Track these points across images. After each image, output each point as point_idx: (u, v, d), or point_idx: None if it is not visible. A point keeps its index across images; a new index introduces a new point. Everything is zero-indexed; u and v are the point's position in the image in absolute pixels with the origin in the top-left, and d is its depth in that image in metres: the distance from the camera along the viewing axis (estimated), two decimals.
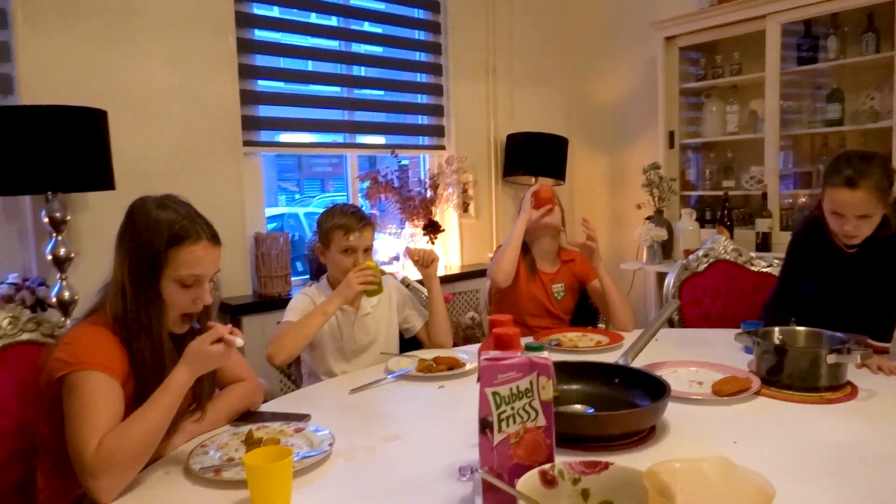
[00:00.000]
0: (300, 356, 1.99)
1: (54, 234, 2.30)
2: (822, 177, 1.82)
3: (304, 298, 1.92)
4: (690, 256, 2.42)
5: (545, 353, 0.96)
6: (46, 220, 2.28)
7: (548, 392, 0.94)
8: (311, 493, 1.09)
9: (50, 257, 2.30)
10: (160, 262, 1.26)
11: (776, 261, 2.36)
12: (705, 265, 2.38)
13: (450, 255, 3.85)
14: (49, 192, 2.26)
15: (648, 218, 3.56)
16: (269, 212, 3.30)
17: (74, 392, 1.17)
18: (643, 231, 3.43)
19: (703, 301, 2.30)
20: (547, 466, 0.88)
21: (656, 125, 3.71)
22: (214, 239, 1.32)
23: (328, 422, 1.36)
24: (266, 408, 1.51)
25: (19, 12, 2.40)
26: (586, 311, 2.47)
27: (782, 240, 3.20)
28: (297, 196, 11.45)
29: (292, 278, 3.11)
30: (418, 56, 3.71)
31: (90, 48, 2.54)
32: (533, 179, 3.84)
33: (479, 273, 3.50)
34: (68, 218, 2.32)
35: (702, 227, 3.45)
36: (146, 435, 1.14)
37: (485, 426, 0.92)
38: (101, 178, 2.26)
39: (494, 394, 0.92)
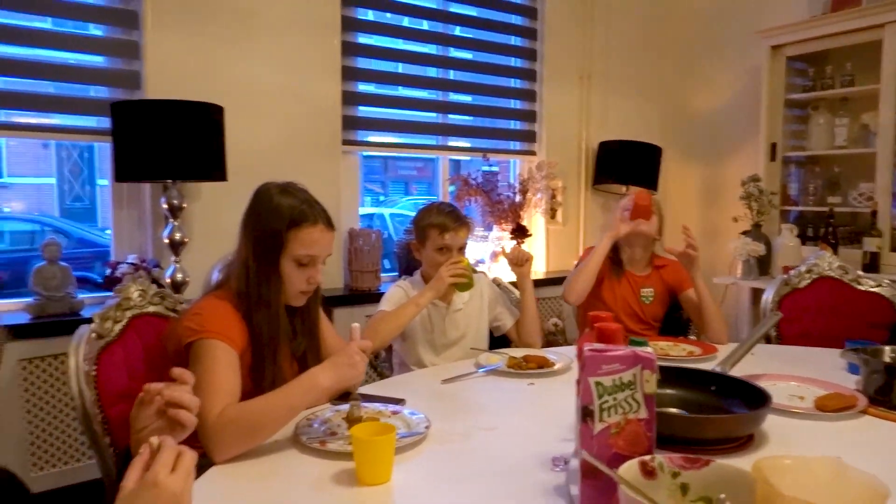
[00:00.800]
0: (392, 347, 2.06)
1: (171, 220, 2.48)
2: None
3: (399, 290, 1.99)
4: (791, 272, 2.33)
5: (649, 349, 0.97)
6: (165, 206, 2.46)
7: (651, 386, 0.94)
8: (410, 469, 1.14)
9: (167, 241, 2.48)
10: (281, 242, 1.36)
11: (887, 281, 2.24)
12: (808, 281, 2.28)
13: (535, 261, 3.84)
14: (169, 181, 2.44)
15: (745, 232, 3.44)
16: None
17: (200, 358, 1.27)
18: (739, 245, 3.31)
19: (804, 319, 2.21)
20: (647, 458, 0.89)
21: (757, 137, 3.58)
22: (329, 224, 1.43)
23: (422, 407, 1.41)
24: (362, 391, 1.57)
25: (149, 14, 2.60)
26: (675, 322, 2.42)
27: (892, 261, 3.03)
28: (382, 198, 11.74)
29: (381, 274, 3.21)
30: (513, 62, 3.75)
31: (211, 48, 2.72)
32: (624, 188, 3.79)
33: (564, 280, 3.49)
34: (184, 205, 2.50)
35: (803, 243, 3.30)
36: (267, 418, 1.21)
37: (586, 415, 0.94)
38: (216, 169, 2.42)
39: (597, 384, 0.93)
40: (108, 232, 2.88)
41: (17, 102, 2.48)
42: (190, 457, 0.78)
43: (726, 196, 3.82)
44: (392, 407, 1.40)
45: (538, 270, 3.81)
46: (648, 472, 0.88)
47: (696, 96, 4.16)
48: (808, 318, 2.20)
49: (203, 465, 1.16)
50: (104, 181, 10.20)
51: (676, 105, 4.23)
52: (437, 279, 1.87)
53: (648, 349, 0.96)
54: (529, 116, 3.81)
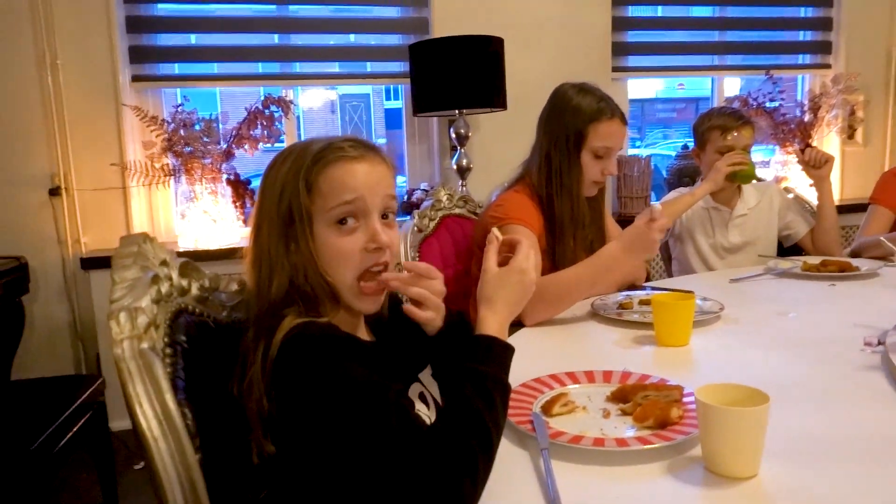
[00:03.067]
0: (671, 256, 2.07)
1: (459, 147, 2.75)
2: None
3: (678, 194, 1.99)
4: None
5: None
6: (454, 135, 2.74)
7: None
8: (706, 338, 1.19)
9: (454, 167, 2.77)
10: (582, 136, 1.49)
11: None
12: None
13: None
14: (456, 112, 2.70)
15: None
16: None
17: None
18: None
19: None
20: None
21: None
22: (624, 119, 1.54)
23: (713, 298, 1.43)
24: (651, 285, 1.64)
25: None
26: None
27: None
28: (638, 143, 11.37)
29: (651, 202, 3.18)
30: None
31: None
32: None
33: (861, 208, 3.10)
34: (470, 134, 2.75)
35: None
36: (572, 285, 1.35)
37: None
38: (498, 98, 2.62)
39: None
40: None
41: (322, 55, 2.92)
42: (536, 254, 0.94)
43: None
44: (682, 295, 1.45)
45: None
46: None
47: None
48: None
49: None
50: (381, 140, 11.47)
51: None
52: (714, 171, 1.83)
53: None
54: (824, 24, 3.38)
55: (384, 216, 0.85)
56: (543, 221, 1.51)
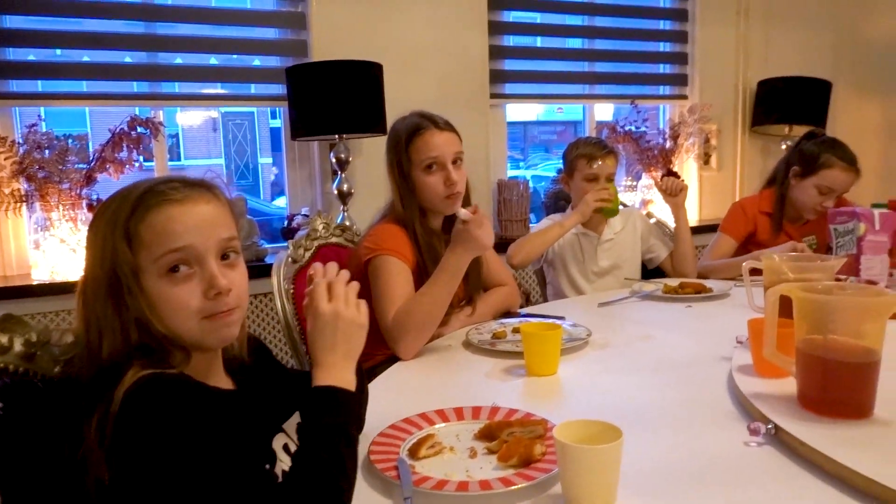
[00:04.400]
0: (546, 280, 2.14)
1: (340, 173, 2.72)
2: None
3: (549, 221, 2.07)
4: None
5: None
6: (334, 160, 2.70)
7: (859, 231, 1.30)
8: (574, 366, 1.23)
9: (335, 192, 2.73)
10: (407, 158, 1.52)
11: None
12: None
13: (688, 209, 3.73)
14: (336, 137, 2.67)
15: None
16: None
17: (377, 272, 1.44)
18: None
19: None
20: None
21: None
22: (446, 125, 1.56)
23: (582, 324, 1.48)
24: (523, 312, 1.68)
25: None
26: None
27: None
28: (521, 164, 11.80)
29: (530, 224, 3.29)
30: (662, 2, 3.62)
31: (368, 12, 2.91)
32: (787, 129, 3.56)
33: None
34: (350, 159, 2.73)
35: None
36: (430, 304, 1.37)
37: (828, 250, 1.41)
38: (377, 123, 2.62)
39: (834, 228, 1.39)
40: (274, 203, 3.21)
41: (198, 76, 2.81)
42: (354, 287, 0.89)
43: None
44: (554, 321, 1.49)
45: (691, 219, 3.69)
46: None
47: (872, 23, 3.77)
48: None
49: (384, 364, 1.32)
50: (267, 159, 11.14)
51: (849, 34, 3.86)
52: (583, 203, 1.92)
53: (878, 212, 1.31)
54: (680, 59, 3.67)
55: (225, 257, 0.80)
56: (415, 252, 1.50)
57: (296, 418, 0.82)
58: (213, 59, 2.90)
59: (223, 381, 0.87)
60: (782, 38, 3.76)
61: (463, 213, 1.36)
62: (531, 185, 8.46)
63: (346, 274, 0.90)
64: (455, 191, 1.51)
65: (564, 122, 12.78)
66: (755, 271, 1.33)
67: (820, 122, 3.52)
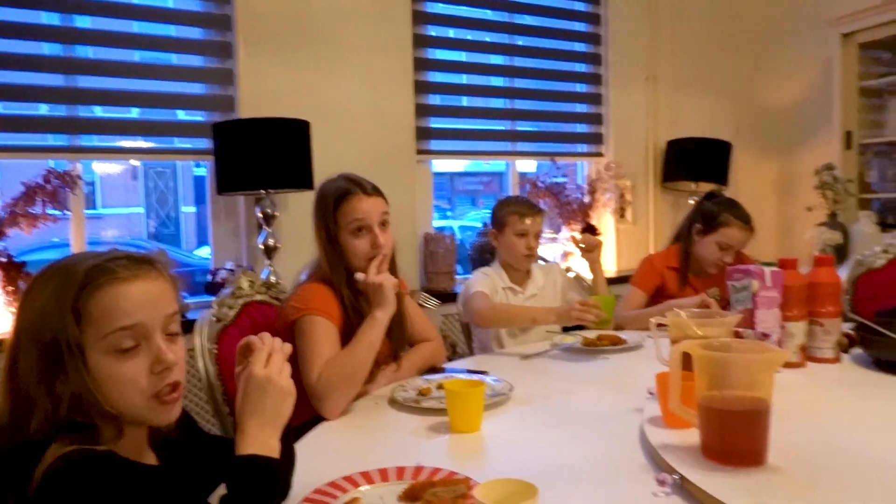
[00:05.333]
0: (472, 334, 2.20)
1: (266, 227, 2.71)
2: None
3: (483, 276, 2.13)
4: (867, 252, 2.33)
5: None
6: (260, 214, 2.70)
7: (753, 287, 1.52)
8: (497, 421, 1.27)
9: (262, 247, 2.71)
10: (334, 221, 1.55)
11: None
12: (883, 261, 2.27)
13: (606, 261, 3.90)
14: (263, 192, 2.67)
15: (821, 223, 3.40)
16: None
17: (303, 333, 1.45)
18: (815, 235, 3.28)
19: (880, 296, 2.20)
20: None
21: (830, 126, 3.54)
22: (373, 189, 1.60)
23: (505, 378, 1.53)
24: (448, 367, 1.71)
25: (241, 44, 2.87)
26: None
27: None
28: (449, 213, 12.01)
29: (456, 276, 3.36)
30: (577, 67, 3.85)
31: (296, 71, 2.97)
32: (693, 185, 3.82)
33: None
34: (276, 214, 2.73)
35: (883, 230, 3.23)
36: (355, 363, 1.39)
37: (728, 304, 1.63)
38: (305, 179, 2.64)
39: (732, 285, 1.56)
40: (196, 252, 3.16)
41: (122, 129, 2.77)
42: (277, 353, 0.91)
43: (801, 187, 3.77)
44: (477, 376, 1.53)
45: (609, 269, 3.87)
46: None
47: (767, 90, 4.14)
48: (884, 296, 2.19)
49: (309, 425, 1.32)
50: (191, 208, 10.85)
51: (747, 99, 4.22)
52: (568, 312, 1.82)
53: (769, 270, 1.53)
54: (596, 119, 3.89)
55: (168, 332, 0.81)
56: (343, 312, 1.52)
57: (222, 489, 0.82)
58: (135, 112, 2.87)
59: (148, 457, 0.86)
60: (688, 102, 4.06)
61: (360, 276, 1.46)
62: (458, 235, 8.61)
63: (289, 348, 0.93)
64: (382, 253, 1.54)
65: (490, 174, 13.14)
66: (662, 325, 1.42)
67: (722, 180, 3.80)
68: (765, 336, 1.49)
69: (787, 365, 1.53)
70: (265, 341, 0.91)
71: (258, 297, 1.79)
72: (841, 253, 3.31)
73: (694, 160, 3.79)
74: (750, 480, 0.93)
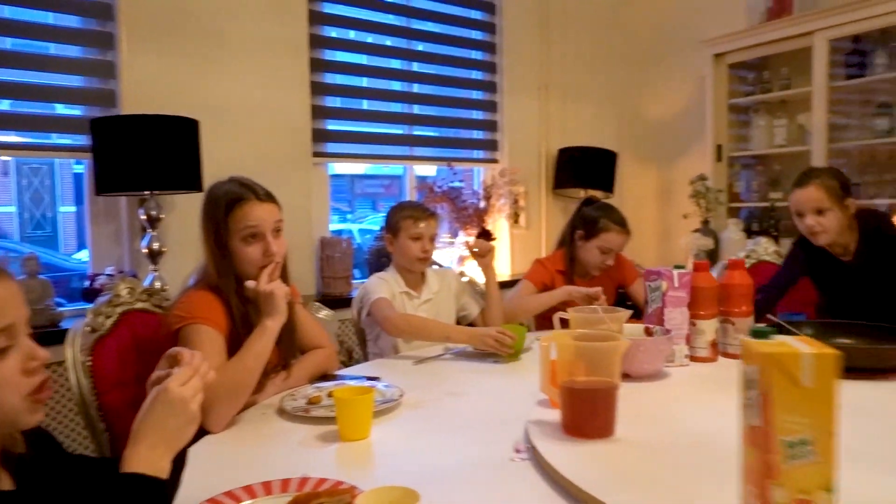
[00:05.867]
0: (367, 340, 2.19)
1: (150, 230, 2.58)
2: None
3: (381, 281, 2.12)
4: (731, 257, 2.53)
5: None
6: (144, 217, 2.56)
7: (663, 288, 1.69)
8: (386, 428, 1.27)
9: (145, 251, 2.58)
10: (225, 226, 1.51)
11: None
12: (747, 265, 2.48)
13: (500, 264, 4.01)
14: (147, 193, 2.54)
15: (696, 229, 3.66)
16: None
17: (187, 342, 1.39)
18: (690, 240, 3.53)
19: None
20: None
21: (704, 140, 3.82)
22: (266, 195, 1.56)
23: (396, 383, 1.54)
24: (339, 374, 1.70)
25: (124, 35, 2.71)
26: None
27: None
28: (349, 216, 11.90)
29: (353, 281, 3.33)
30: (474, 74, 3.94)
31: (184, 66, 2.84)
32: (582, 192, 3.99)
33: None
34: (161, 216, 2.60)
35: (749, 237, 3.52)
36: (242, 374, 1.36)
37: (646, 301, 1.74)
38: (193, 180, 2.53)
39: (648, 285, 1.71)
40: (76, 256, 2.97)
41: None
42: (199, 378, 0.92)
43: (679, 196, 4.04)
44: (368, 382, 1.53)
45: (503, 273, 3.97)
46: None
47: (649, 103, 4.40)
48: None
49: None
50: (70, 207, 10.12)
51: (631, 112, 4.47)
52: (483, 339, 1.82)
53: (678, 272, 1.70)
54: (491, 126, 3.99)
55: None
56: (229, 319, 1.48)
57: None
58: (6, 104, 2.64)
59: (3, 480, 0.80)
60: (577, 112, 4.25)
61: (250, 284, 1.44)
62: (358, 238, 8.50)
63: (212, 376, 0.95)
64: (272, 261, 1.51)
65: (391, 177, 13.14)
66: (564, 322, 1.57)
67: (609, 188, 4.00)
68: (667, 332, 1.64)
69: (698, 359, 1.70)
70: (195, 360, 0.92)
71: (139, 305, 1.70)
72: (713, 257, 3.58)
73: (583, 168, 3.97)
74: (584, 449, 1.08)
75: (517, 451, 1.11)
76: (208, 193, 1.58)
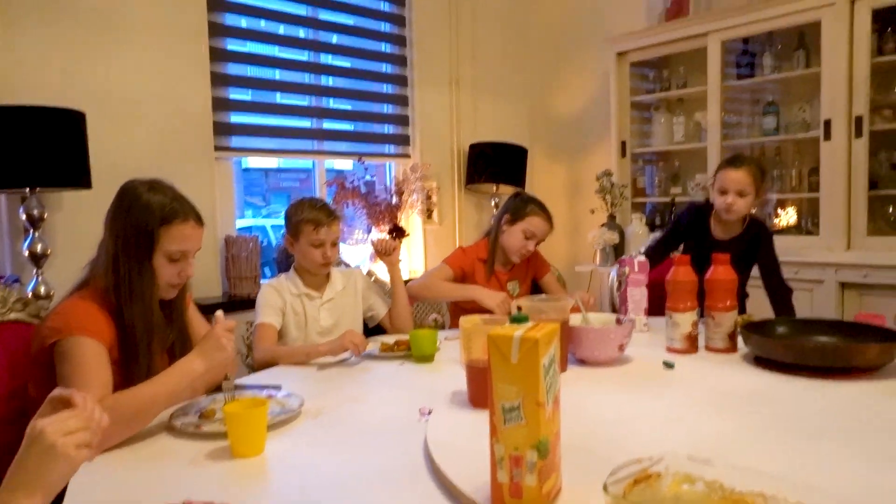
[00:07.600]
0: None
1: (32, 231, 2.39)
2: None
3: (271, 291, 2.03)
4: (631, 253, 2.62)
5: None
6: (24, 216, 2.37)
7: (626, 272, 2.11)
8: (283, 441, 1.22)
9: (27, 253, 2.39)
10: (153, 240, 1.40)
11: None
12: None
13: (414, 260, 3.99)
14: (28, 190, 2.35)
15: (603, 224, 3.76)
16: (237, 223, 3.40)
17: (67, 357, 1.28)
18: (597, 235, 3.62)
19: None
20: None
21: (610, 136, 3.93)
22: (199, 219, 1.49)
23: (298, 391, 1.48)
24: (238, 382, 1.62)
25: None
26: None
27: None
28: (264, 211, 11.56)
29: (261, 280, 3.22)
30: (385, 68, 3.88)
31: (68, 51, 2.64)
32: (494, 187, 4.03)
33: None
34: (45, 215, 2.41)
35: (651, 230, 3.66)
36: (147, 405, 1.25)
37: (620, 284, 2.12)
38: (79, 176, 2.37)
39: (619, 272, 2.14)
40: None
41: None
42: (90, 433, 0.86)
43: (587, 191, 4.15)
44: (267, 391, 1.47)
45: (416, 269, 3.96)
46: None
47: (557, 99, 4.48)
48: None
49: None
50: None
51: (540, 108, 4.54)
52: (341, 342, 1.79)
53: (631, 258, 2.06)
54: (403, 120, 3.95)
55: None
56: (115, 330, 1.38)
57: None
58: None
59: None
60: (488, 108, 4.28)
61: (220, 314, 1.35)
62: (272, 234, 8.23)
63: (105, 420, 0.91)
64: (183, 282, 1.48)
65: (307, 170, 12.82)
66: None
67: (520, 183, 4.05)
68: (631, 321, 1.77)
69: (673, 350, 1.76)
70: (87, 408, 0.87)
71: (12, 316, 1.56)
72: (619, 251, 3.69)
73: (494, 163, 4.00)
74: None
75: (421, 413, 1.31)
76: (133, 197, 1.43)
